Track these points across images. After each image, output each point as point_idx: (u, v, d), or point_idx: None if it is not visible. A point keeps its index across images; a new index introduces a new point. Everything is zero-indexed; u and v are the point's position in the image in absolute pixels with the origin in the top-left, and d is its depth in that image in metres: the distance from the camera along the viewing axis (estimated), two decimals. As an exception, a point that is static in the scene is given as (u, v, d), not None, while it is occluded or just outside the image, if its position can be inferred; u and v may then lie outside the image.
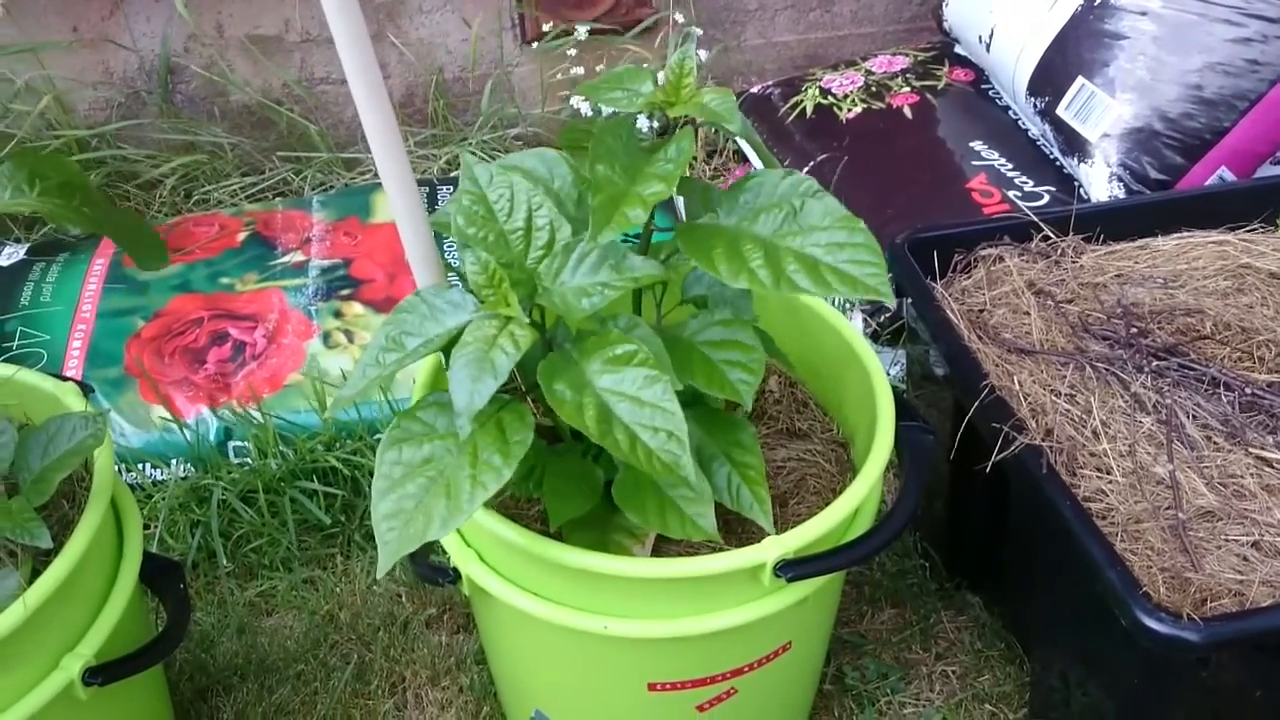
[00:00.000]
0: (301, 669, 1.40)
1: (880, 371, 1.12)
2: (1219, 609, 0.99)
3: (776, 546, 0.97)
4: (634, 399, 0.84)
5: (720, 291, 1.07)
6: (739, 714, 1.13)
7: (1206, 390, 1.19)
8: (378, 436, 1.58)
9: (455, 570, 1.07)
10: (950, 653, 1.43)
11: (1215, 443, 1.14)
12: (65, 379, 1.14)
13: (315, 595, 1.50)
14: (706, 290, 1.07)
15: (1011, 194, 1.72)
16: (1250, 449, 1.12)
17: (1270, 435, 1.14)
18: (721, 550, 1.04)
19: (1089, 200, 1.68)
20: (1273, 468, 1.11)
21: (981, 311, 1.32)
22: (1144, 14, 1.64)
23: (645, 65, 2.20)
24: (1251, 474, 1.10)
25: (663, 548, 1.09)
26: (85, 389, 1.14)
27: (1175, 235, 1.42)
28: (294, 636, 1.45)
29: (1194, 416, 1.16)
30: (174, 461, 1.58)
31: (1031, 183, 1.74)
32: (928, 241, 1.36)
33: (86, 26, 1.98)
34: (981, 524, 1.31)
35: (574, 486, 1.01)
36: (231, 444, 1.60)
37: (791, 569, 0.97)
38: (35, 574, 0.96)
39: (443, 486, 0.86)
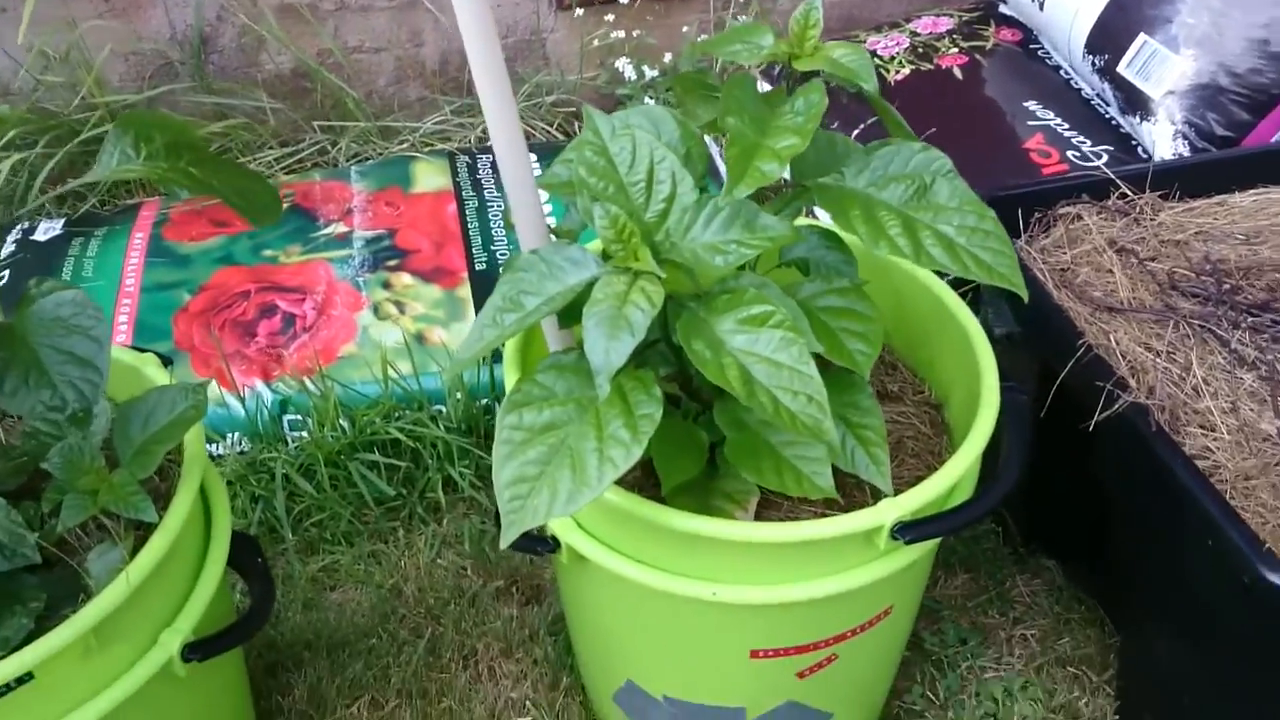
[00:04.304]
0: (373, 643, 1.38)
1: (980, 334, 1.10)
2: (1343, 565, 0.97)
3: (894, 509, 0.94)
4: (770, 361, 0.82)
5: (822, 256, 1.05)
6: (834, 681, 1.11)
7: (1305, 346, 1.17)
8: (438, 407, 1.56)
9: (554, 539, 1.04)
10: (1028, 616, 1.41)
11: (1319, 398, 1.12)
12: (144, 351, 1.11)
13: (379, 569, 1.47)
14: (807, 254, 1.05)
15: (1070, 154, 1.70)
16: (1357, 404, 1.11)
17: (1374, 390, 1.12)
18: (827, 514, 1.02)
19: (1150, 158, 1.66)
20: (1381, 423, 1.09)
21: (1065, 270, 1.30)
22: (1207, -32, 1.61)
23: (684, 30, 2.17)
24: (1360, 429, 1.08)
25: (762, 514, 1.07)
26: (164, 361, 1.11)
27: (1252, 191, 1.40)
28: (361, 611, 1.43)
29: (1295, 372, 1.14)
30: (230, 436, 1.56)
31: (1090, 142, 1.72)
32: (1008, 200, 1.33)
33: (117, -4, 1.94)
34: (1064, 487, 1.29)
35: (682, 450, 0.98)
36: (287, 417, 1.57)
37: (909, 531, 0.95)
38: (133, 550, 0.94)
39: (567, 457, 0.83)
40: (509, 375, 1.07)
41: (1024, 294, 0.88)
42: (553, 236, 0.98)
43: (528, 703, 1.32)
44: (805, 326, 0.87)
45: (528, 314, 0.86)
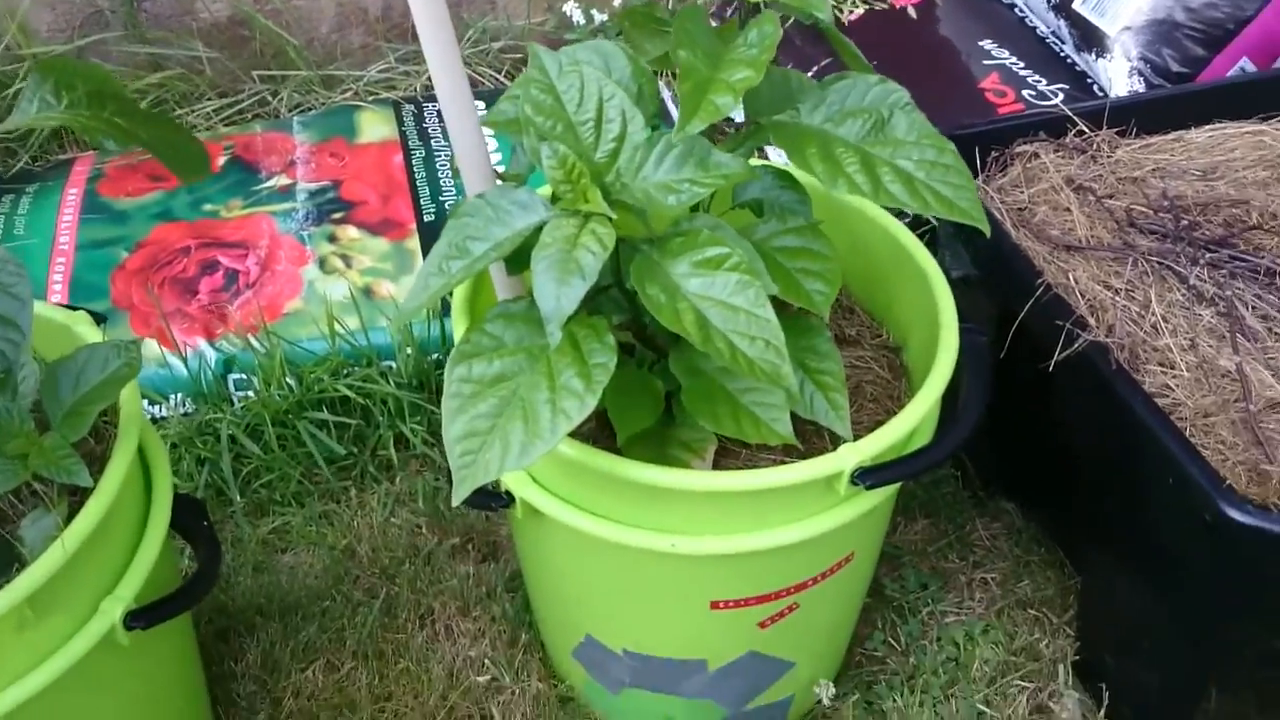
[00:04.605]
0: (327, 605, 1.35)
1: (939, 275, 1.08)
2: (1304, 500, 0.96)
3: (854, 454, 0.93)
4: (726, 305, 0.79)
5: (776, 196, 1.02)
6: (796, 629, 1.09)
7: (1262, 280, 1.16)
8: (387, 363, 1.52)
9: (509, 494, 1.02)
10: (988, 560, 1.41)
11: (1277, 333, 1.11)
12: (75, 309, 1.07)
13: (332, 530, 1.44)
14: (761, 195, 1.02)
15: (1026, 93, 1.68)
16: (1315, 338, 1.10)
17: (1332, 324, 1.12)
18: (786, 462, 1.01)
19: (1106, 95, 1.64)
20: (1339, 357, 1.09)
21: (1023, 210, 1.28)
22: (1162, -99, 1.59)
23: (633, -29, 2.12)
24: (1319, 364, 1.08)
25: (720, 462, 1.05)
26: (97, 318, 1.06)
27: (1208, 127, 1.38)
28: (314, 573, 1.40)
29: (1253, 307, 1.13)
30: (173, 397, 1.51)
31: (1045, 81, 1.70)
32: (965, 139, 1.31)
33: (40, -59, 1.86)
34: (1025, 428, 1.28)
35: (637, 400, 0.96)
36: (232, 376, 1.53)
37: (870, 476, 0.93)
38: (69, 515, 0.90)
39: (518, 409, 0.81)
40: (458, 325, 1.04)
41: (986, 229, 0.85)
42: (499, 182, 0.95)
43: (486, 661, 1.30)
44: (761, 268, 0.85)
45: (475, 260, 0.83)
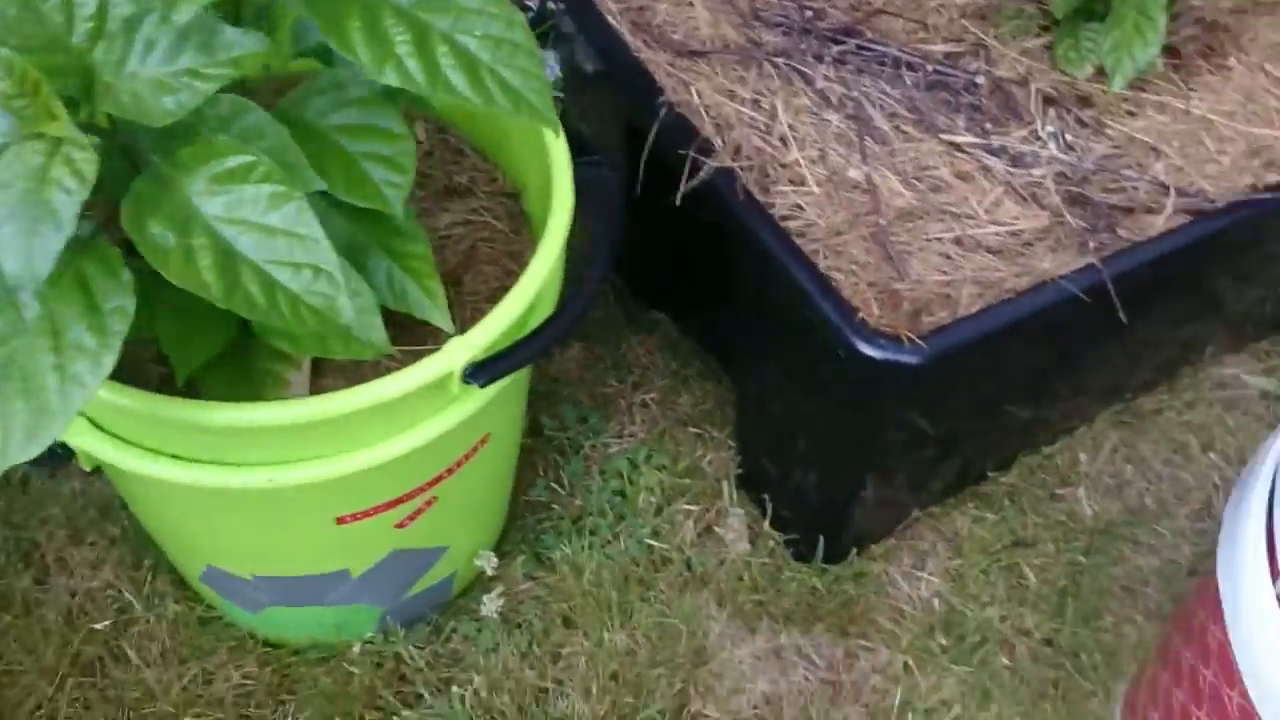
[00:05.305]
0: (-101, 563, 1.15)
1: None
2: (934, 323, 0.93)
3: (464, 350, 0.81)
4: (260, 227, 0.64)
5: (340, 42, 0.84)
6: (439, 519, 1.00)
7: (890, 74, 1.10)
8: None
9: (63, 447, 0.85)
10: (646, 379, 1.35)
11: (905, 132, 1.06)
12: None
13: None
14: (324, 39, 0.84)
15: None
16: (940, 135, 1.05)
17: (956, 115, 1.07)
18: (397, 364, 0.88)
19: None
20: (963, 153, 1.05)
21: (643, 9, 1.15)
22: None
23: None
24: (945, 163, 1.04)
25: (321, 363, 0.91)
26: None
27: (825, -111, 1.28)
28: None
29: (881, 106, 1.07)
30: None
31: None
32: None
33: None
34: (668, 256, 1.21)
35: (199, 320, 0.80)
36: None
37: (483, 373, 0.82)
38: None
39: (17, 382, 0.64)
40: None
41: (558, 130, 0.73)
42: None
43: (110, 592, 1.14)
44: (301, 162, 0.68)
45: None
